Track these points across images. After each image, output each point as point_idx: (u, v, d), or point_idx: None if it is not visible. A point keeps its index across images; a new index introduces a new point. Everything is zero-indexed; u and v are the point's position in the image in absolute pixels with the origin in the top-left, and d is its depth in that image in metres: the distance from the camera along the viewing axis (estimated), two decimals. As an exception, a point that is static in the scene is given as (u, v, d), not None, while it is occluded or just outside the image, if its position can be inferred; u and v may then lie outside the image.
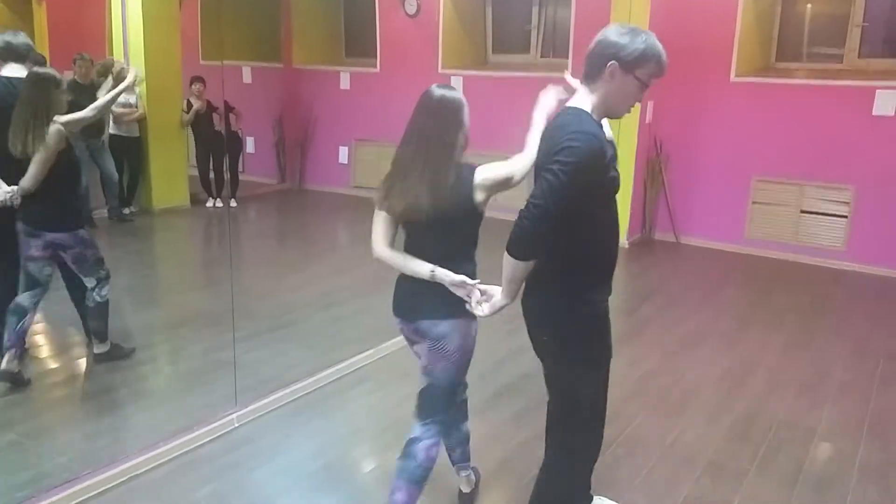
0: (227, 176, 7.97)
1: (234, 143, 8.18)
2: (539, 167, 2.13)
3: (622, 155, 6.57)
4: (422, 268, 2.31)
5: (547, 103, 2.52)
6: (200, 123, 7.65)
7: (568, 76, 2.55)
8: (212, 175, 7.93)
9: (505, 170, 2.37)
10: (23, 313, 3.61)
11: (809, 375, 4.13)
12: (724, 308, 5.32)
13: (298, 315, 4.85)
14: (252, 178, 9.08)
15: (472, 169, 2.34)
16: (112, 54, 7.00)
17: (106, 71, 5.59)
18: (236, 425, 3.37)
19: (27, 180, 3.43)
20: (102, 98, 3.85)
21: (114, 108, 5.95)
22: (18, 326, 3.59)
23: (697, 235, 7.01)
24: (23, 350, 3.68)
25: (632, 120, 6.51)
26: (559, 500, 2.42)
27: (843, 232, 6.33)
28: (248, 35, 8.91)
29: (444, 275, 2.28)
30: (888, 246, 6.11)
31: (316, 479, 3.01)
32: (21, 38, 3.75)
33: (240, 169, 8.47)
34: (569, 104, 2.17)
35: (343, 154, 8.96)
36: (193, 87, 7.56)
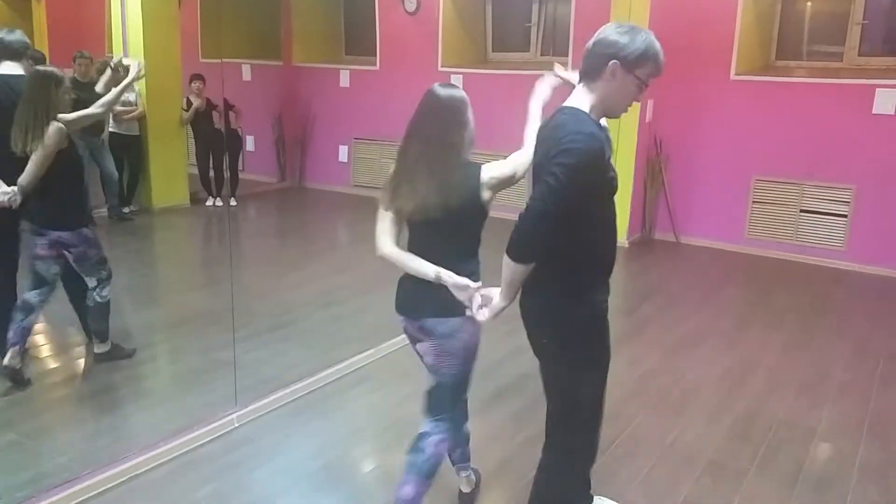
0: (226, 174, 7.95)
1: (234, 142, 8.16)
2: (538, 168, 2.12)
3: (622, 154, 6.70)
4: (427, 269, 2.31)
5: (542, 92, 2.53)
6: (200, 122, 7.64)
7: (558, 68, 2.54)
8: (211, 173, 7.91)
9: (509, 167, 2.38)
10: (29, 310, 3.63)
11: (809, 375, 4.13)
12: (724, 308, 5.32)
13: (298, 314, 4.85)
14: (252, 176, 9.07)
15: (478, 167, 2.35)
16: (111, 52, 6.99)
17: (105, 69, 5.57)
18: (236, 425, 3.37)
19: (25, 177, 3.43)
20: (108, 95, 3.80)
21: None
22: (23, 323, 3.61)
23: (697, 235, 7.01)
24: (24, 348, 3.68)
25: (632, 119, 6.51)
26: (560, 500, 2.42)
27: (844, 231, 6.33)
28: (247, 33, 8.90)
29: (448, 277, 2.28)
30: (888, 245, 6.11)
31: (316, 478, 3.01)
32: (16, 36, 3.73)
33: (239, 167, 8.45)
34: (566, 104, 2.16)
35: (343, 152, 8.95)
36: (193, 84, 7.54)
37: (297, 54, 9.09)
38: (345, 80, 8.77)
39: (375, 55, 8.45)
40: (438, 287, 2.31)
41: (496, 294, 2.22)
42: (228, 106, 7.79)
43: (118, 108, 6.53)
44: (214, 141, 7.75)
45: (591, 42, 2.10)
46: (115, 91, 3.84)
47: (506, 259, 2.10)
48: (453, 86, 2.43)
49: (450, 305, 2.32)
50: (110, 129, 6.61)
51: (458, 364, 2.43)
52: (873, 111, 6.03)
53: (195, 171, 7.83)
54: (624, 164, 6.63)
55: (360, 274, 5.74)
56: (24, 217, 3.58)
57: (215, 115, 7.69)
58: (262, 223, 8.26)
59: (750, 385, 3.99)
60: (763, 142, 6.55)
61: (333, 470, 3.08)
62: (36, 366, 3.95)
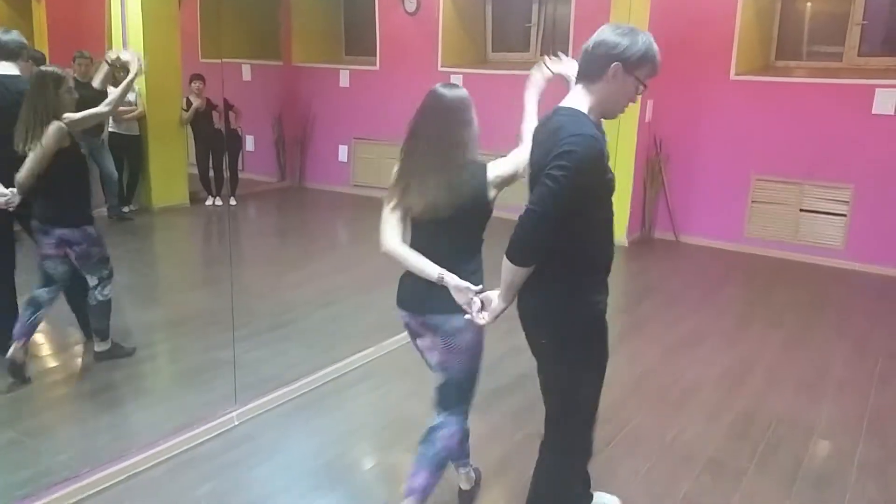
0: (226, 174, 7.96)
1: (234, 142, 8.17)
2: (536, 169, 2.10)
3: (622, 154, 6.70)
4: (431, 269, 2.31)
5: (537, 81, 2.53)
6: (200, 121, 7.64)
7: (546, 60, 2.53)
8: (211, 173, 7.92)
9: (511, 165, 2.40)
10: (38, 307, 3.68)
11: (809, 373, 4.14)
12: (723, 306, 5.32)
13: (298, 313, 4.85)
14: (252, 176, 9.09)
15: (484, 166, 2.37)
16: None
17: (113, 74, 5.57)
18: (236, 423, 3.38)
19: (21, 174, 3.44)
20: (114, 93, 3.79)
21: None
22: (31, 319, 3.65)
23: (697, 234, 7.01)
24: (27, 343, 3.71)
25: (631, 119, 6.51)
26: (559, 500, 2.41)
27: (843, 230, 6.33)
28: (247, 33, 8.91)
29: (451, 279, 2.28)
30: (887, 244, 6.11)
31: (316, 477, 3.02)
32: (12, 36, 3.74)
33: (239, 167, 8.47)
34: (564, 104, 2.15)
35: (343, 152, 8.96)
36: (193, 84, 7.55)
37: (296, 54, 9.09)
38: (345, 80, 8.78)
39: (375, 55, 8.46)
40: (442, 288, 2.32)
41: (495, 296, 2.22)
42: (228, 106, 7.80)
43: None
44: (214, 141, 7.76)
45: (590, 43, 2.08)
46: (120, 89, 3.83)
47: (506, 262, 2.10)
48: (456, 86, 2.44)
49: (456, 302, 2.33)
50: (110, 129, 6.62)
51: (467, 360, 2.45)
52: (873, 111, 6.03)
53: (195, 170, 7.84)
54: (624, 164, 6.64)
55: (359, 273, 5.75)
56: (32, 215, 3.62)
57: (215, 114, 7.70)
58: (262, 223, 8.27)
59: (749, 383, 3.99)
60: (763, 141, 6.56)
61: (333, 468, 3.09)
62: (36, 364, 3.95)
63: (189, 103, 7.56)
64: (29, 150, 3.44)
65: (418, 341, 2.55)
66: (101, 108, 3.74)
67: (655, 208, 7.14)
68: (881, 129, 6.03)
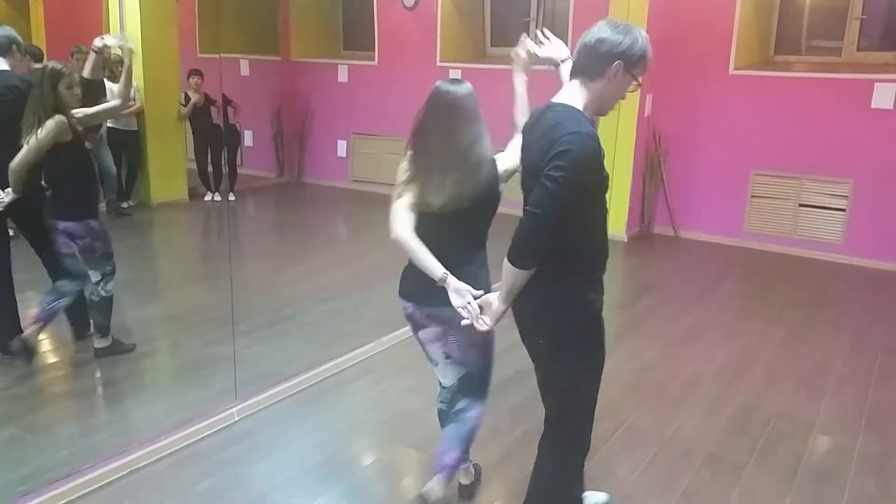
0: (225, 169, 7.95)
1: (233, 137, 8.15)
2: (532, 168, 2.06)
3: (621, 149, 6.68)
4: (436, 269, 2.31)
5: (524, 62, 2.52)
6: (198, 117, 7.63)
7: (529, 42, 2.50)
8: (210, 169, 7.92)
9: (512, 159, 2.42)
10: (60, 296, 3.75)
11: (808, 369, 4.14)
12: (722, 302, 5.32)
13: (298, 309, 4.85)
14: (250, 171, 9.07)
15: (493, 160, 2.40)
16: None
17: (105, 64, 5.55)
18: (236, 419, 3.38)
19: (14, 160, 3.46)
20: (119, 85, 3.79)
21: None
22: (51, 305, 3.72)
23: (696, 229, 7.01)
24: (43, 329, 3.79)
25: (630, 114, 6.51)
26: (558, 499, 2.41)
27: (842, 225, 6.33)
28: (245, 28, 8.89)
29: (453, 281, 2.29)
30: (887, 239, 6.12)
31: (316, 472, 3.02)
32: (2, 31, 3.74)
33: (238, 162, 8.45)
34: (558, 99, 2.12)
35: (341, 147, 8.95)
36: (191, 80, 7.53)
37: (295, 49, 9.07)
38: (343, 75, 8.76)
39: (374, 50, 8.44)
40: (461, 274, 2.33)
41: (495, 299, 2.21)
42: (227, 101, 7.79)
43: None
44: (213, 136, 7.75)
45: (590, 40, 2.04)
46: (123, 79, 3.82)
47: (508, 265, 2.09)
48: (460, 80, 2.45)
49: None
50: (108, 125, 6.60)
51: (483, 352, 2.51)
52: (872, 106, 6.03)
53: (193, 166, 7.83)
54: (623, 159, 6.63)
55: (358, 268, 5.75)
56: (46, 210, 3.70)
57: (213, 110, 7.69)
58: (261, 218, 8.26)
59: (749, 378, 4.00)
60: (762, 136, 6.55)
61: (333, 464, 3.09)
62: (36, 360, 3.96)
63: (187, 98, 7.54)
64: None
65: (420, 333, 2.56)
66: (113, 102, 3.78)
67: (655, 203, 7.14)
68: (880, 124, 6.03)
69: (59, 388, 3.88)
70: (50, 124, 3.46)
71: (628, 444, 3.28)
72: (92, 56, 3.74)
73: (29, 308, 3.97)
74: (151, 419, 3.35)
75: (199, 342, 4.28)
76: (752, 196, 6.71)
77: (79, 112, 3.61)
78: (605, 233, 2.24)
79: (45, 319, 3.73)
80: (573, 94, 2.10)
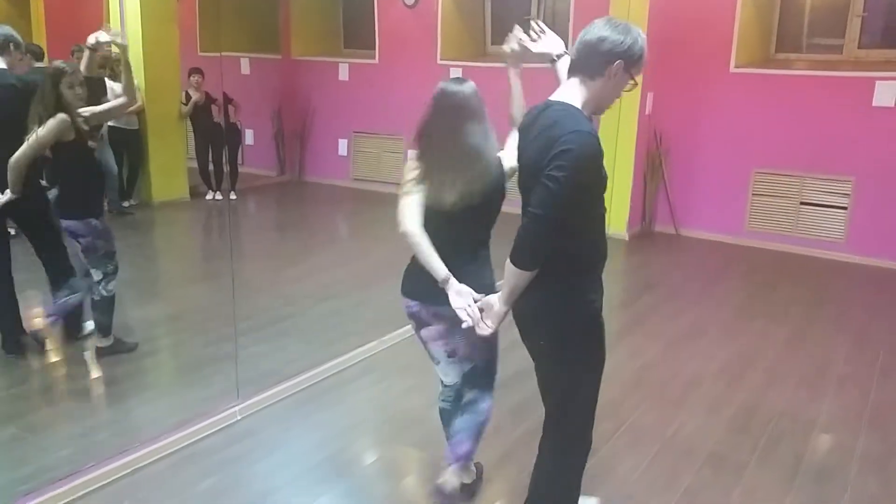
0: (226, 168, 7.95)
1: (233, 135, 8.15)
2: (532, 169, 2.04)
3: (622, 147, 6.68)
4: (440, 269, 2.32)
5: (518, 57, 2.51)
6: (199, 115, 7.63)
7: (518, 33, 2.49)
8: (211, 167, 7.91)
9: (513, 157, 2.41)
10: (72, 291, 3.81)
11: (809, 367, 4.14)
12: (724, 300, 5.32)
13: (299, 308, 4.85)
14: (251, 170, 9.07)
15: (499, 158, 2.42)
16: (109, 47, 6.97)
17: (105, 63, 5.56)
18: (238, 418, 3.38)
19: (14, 155, 3.48)
20: (123, 82, 3.78)
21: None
22: (64, 300, 3.79)
23: (697, 227, 7.01)
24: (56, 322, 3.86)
25: (631, 112, 6.51)
26: (559, 501, 2.40)
27: (843, 223, 6.33)
28: (246, 26, 8.88)
29: (454, 283, 2.30)
30: (888, 237, 6.11)
31: (318, 471, 3.02)
32: None
33: (239, 161, 8.45)
34: (556, 97, 2.10)
35: (342, 146, 8.94)
36: (192, 78, 7.53)
37: (295, 48, 9.06)
38: (344, 73, 8.75)
39: (374, 48, 8.43)
40: (465, 273, 2.35)
41: (496, 300, 2.20)
42: (227, 99, 7.79)
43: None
44: (214, 135, 7.75)
45: (591, 38, 2.02)
46: (125, 76, 3.81)
47: (511, 267, 2.08)
48: (463, 79, 2.46)
49: (479, 292, 2.33)
50: (109, 124, 6.60)
51: (488, 346, 2.53)
52: (873, 104, 6.02)
53: (194, 164, 7.83)
54: (624, 157, 6.63)
55: (359, 267, 5.76)
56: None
57: (214, 108, 7.69)
58: (262, 217, 8.26)
59: (750, 377, 4.00)
60: (763, 134, 6.54)
61: (335, 463, 3.09)
62: (38, 360, 3.96)
63: (188, 97, 7.54)
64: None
65: (423, 331, 2.56)
66: (121, 99, 3.77)
67: (656, 202, 7.14)
68: (882, 122, 6.02)
69: (61, 387, 3.88)
70: (52, 122, 3.47)
71: (630, 443, 3.27)
72: (87, 53, 3.74)
73: (30, 307, 3.98)
74: (153, 418, 3.35)
75: (201, 341, 4.28)
76: (754, 194, 6.70)
77: (86, 111, 3.63)
78: (604, 232, 2.23)
79: (57, 313, 3.80)
80: (572, 92, 2.08)
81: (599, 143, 2.00)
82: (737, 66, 6.56)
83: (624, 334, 4.53)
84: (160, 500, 2.80)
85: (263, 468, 3.02)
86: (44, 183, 4.02)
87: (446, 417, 2.74)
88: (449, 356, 2.61)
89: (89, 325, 4.07)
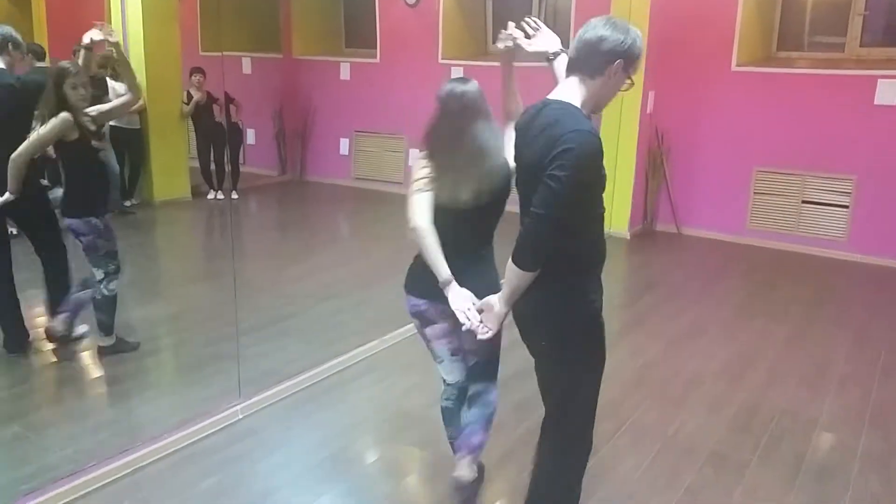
0: (227, 168, 7.95)
1: (235, 135, 8.15)
2: (532, 169, 2.03)
3: (623, 146, 6.67)
4: (443, 271, 2.32)
5: (512, 56, 2.52)
6: (201, 115, 7.63)
7: (512, 30, 2.48)
8: (213, 167, 7.91)
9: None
10: (84, 287, 3.84)
11: (811, 366, 4.14)
12: (725, 299, 5.32)
13: (300, 307, 4.85)
14: (253, 169, 9.07)
15: (505, 156, 2.43)
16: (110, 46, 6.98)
17: (106, 63, 5.57)
18: (240, 417, 3.38)
19: (16, 153, 3.49)
20: (127, 79, 3.83)
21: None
22: (76, 295, 3.84)
23: (699, 226, 7.00)
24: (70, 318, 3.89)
25: (633, 111, 6.49)
26: (560, 501, 2.40)
27: (845, 222, 6.32)
28: (247, 26, 8.88)
29: (455, 286, 2.32)
30: (890, 236, 6.10)
31: (320, 470, 3.03)
32: None
33: (240, 160, 8.45)
34: (555, 96, 2.09)
35: (343, 145, 8.95)
36: (193, 78, 7.53)
37: (297, 47, 9.07)
38: (345, 72, 8.75)
39: (376, 48, 8.43)
40: (475, 271, 2.40)
41: (496, 301, 2.20)
42: (229, 99, 7.79)
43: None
44: (215, 134, 7.75)
45: (590, 37, 2.01)
46: (126, 71, 3.85)
47: (513, 268, 2.07)
48: (467, 79, 2.47)
49: (487, 288, 2.33)
50: (110, 123, 6.60)
51: (492, 343, 2.51)
52: (875, 102, 6.01)
53: (196, 164, 7.83)
54: (625, 156, 6.63)
55: (361, 266, 5.76)
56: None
57: (216, 108, 7.69)
58: (264, 216, 8.27)
59: (751, 376, 3.99)
60: (764, 133, 6.54)
61: (337, 461, 3.10)
62: (40, 358, 3.97)
63: (189, 97, 7.54)
64: None
65: (428, 329, 2.56)
66: (126, 96, 3.79)
67: (657, 200, 7.13)
68: (883, 120, 6.01)
69: (63, 386, 3.89)
70: (54, 121, 3.49)
71: (631, 442, 3.27)
72: (82, 53, 3.75)
73: (31, 307, 3.99)
74: (155, 417, 3.36)
75: (202, 340, 4.29)
76: (755, 193, 6.70)
77: (93, 109, 3.64)
78: (603, 232, 2.23)
79: (69, 310, 3.82)
80: (571, 91, 2.07)
81: (600, 142, 1.99)
82: (738, 65, 6.56)
83: (625, 333, 4.53)
84: (162, 499, 2.81)
85: (265, 467, 3.02)
86: (45, 182, 4.03)
87: (448, 417, 2.74)
88: (453, 354, 2.62)
89: (81, 328, 4.08)
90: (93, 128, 3.63)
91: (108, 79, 5.69)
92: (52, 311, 4.00)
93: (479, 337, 2.25)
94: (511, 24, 2.49)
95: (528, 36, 2.48)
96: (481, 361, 2.64)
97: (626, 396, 3.70)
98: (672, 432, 3.38)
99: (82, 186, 3.70)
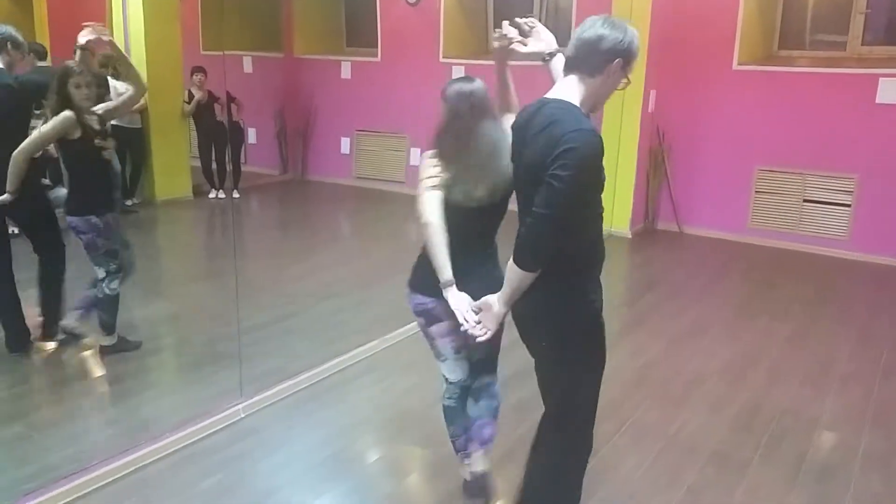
0: (229, 167, 7.96)
1: (236, 134, 8.15)
2: (533, 168, 2.01)
3: (625, 145, 6.67)
4: (446, 271, 2.32)
5: (507, 55, 2.54)
6: (202, 114, 7.64)
7: (507, 29, 2.48)
8: (214, 166, 7.92)
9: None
10: (94, 284, 3.83)
11: (813, 365, 4.14)
12: (726, 298, 5.32)
13: (301, 306, 4.85)
14: (254, 168, 9.08)
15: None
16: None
17: (107, 62, 5.57)
18: (242, 416, 3.39)
19: (18, 150, 3.50)
20: (130, 78, 3.81)
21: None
22: (86, 294, 3.83)
23: (700, 225, 7.00)
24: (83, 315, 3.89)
25: (634, 109, 6.49)
26: (559, 501, 2.40)
27: (847, 221, 6.31)
28: (248, 25, 8.88)
29: (454, 289, 2.32)
30: (891, 235, 6.10)
31: (321, 469, 3.03)
32: None
33: (242, 160, 8.45)
34: (553, 95, 2.09)
35: (345, 144, 8.95)
36: (194, 77, 7.54)
37: (298, 46, 9.07)
38: (346, 71, 8.75)
39: (377, 46, 8.43)
40: (483, 269, 2.43)
41: (495, 301, 2.19)
42: (230, 98, 7.79)
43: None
44: (217, 133, 7.76)
45: (589, 36, 2.01)
46: (126, 67, 3.84)
47: (515, 268, 2.07)
48: (471, 78, 2.48)
49: (494, 285, 2.30)
50: (112, 122, 6.60)
51: (495, 338, 2.50)
52: (877, 101, 6.01)
53: (197, 163, 7.84)
54: (627, 155, 6.62)
55: (362, 265, 5.76)
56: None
57: (217, 107, 7.69)
58: (265, 215, 8.27)
59: (753, 375, 3.99)
60: (766, 131, 6.53)
61: (338, 460, 3.10)
62: (41, 358, 3.97)
63: (191, 96, 7.55)
64: None
65: (434, 328, 2.56)
66: (129, 91, 3.77)
67: (658, 199, 7.13)
68: (885, 119, 6.00)
69: (64, 386, 3.88)
70: (56, 119, 3.50)
71: (632, 442, 3.27)
72: (78, 53, 3.75)
73: (32, 306, 3.99)
74: (156, 417, 3.36)
75: (204, 339, 4.29)
76: (756, 191, 6.69)
77: (99, 108, 3.66)
78: (602, 232, 2.23)
79: (83, 307, 3.83)
80: (570, 90, 2.06)
81: (601, 142, 1.98)
82: (739, 64, 6.55)
83: (626, 332, 4.53)
84: (163, 498, 2.81)
85: (266, 466, 3.02)
86: (46, 181, 4.03)
87: (450, 416, 2.73)
88: (457, 352, 2.61)
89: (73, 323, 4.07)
90: (98, 126, 3.63)
91: (109, 78, 5.69)
92: (45, 310, 4.01)
93: (478, 339, 2.24)
94: (506, 24, 2.49)
95: (523, 34, 2.47)
96: (485, 357, 2.66)
97: (627, 396, 3.70)
98: (673, 432, 3.38)
99: (84, 185, 3.71)
